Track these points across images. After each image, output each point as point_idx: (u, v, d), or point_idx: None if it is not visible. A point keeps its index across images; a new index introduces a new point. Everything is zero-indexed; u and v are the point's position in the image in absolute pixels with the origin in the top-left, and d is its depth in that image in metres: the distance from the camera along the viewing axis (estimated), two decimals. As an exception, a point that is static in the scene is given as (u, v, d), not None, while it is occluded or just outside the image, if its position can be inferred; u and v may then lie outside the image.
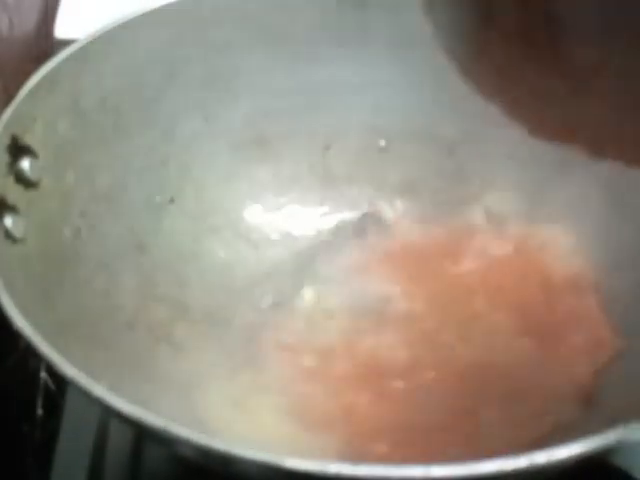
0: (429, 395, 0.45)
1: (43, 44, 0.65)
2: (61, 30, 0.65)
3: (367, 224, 0.53)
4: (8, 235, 0.41)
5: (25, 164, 0.43)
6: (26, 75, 0.45)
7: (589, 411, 0.43)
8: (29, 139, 0.44)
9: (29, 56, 0.64)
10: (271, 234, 0.52)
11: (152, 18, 0.49)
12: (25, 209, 0.42)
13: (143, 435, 0.44)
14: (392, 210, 0.53)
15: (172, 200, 0.50)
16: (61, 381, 0.39)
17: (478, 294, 0.49)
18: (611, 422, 0.34)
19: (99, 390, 0.35)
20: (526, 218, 0.52)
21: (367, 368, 0.47)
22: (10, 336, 0.37)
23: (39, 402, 0.50)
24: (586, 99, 0.50)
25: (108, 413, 0.41)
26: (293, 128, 0.53)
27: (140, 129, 0.49)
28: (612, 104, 0.50)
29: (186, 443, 0.33)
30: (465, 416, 0.44)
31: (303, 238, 0.52)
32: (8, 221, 0.41)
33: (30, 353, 0.37)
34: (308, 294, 0.50)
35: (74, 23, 0.65)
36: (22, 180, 0.43)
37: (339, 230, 0.53)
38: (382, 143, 0.54)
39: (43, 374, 0.50)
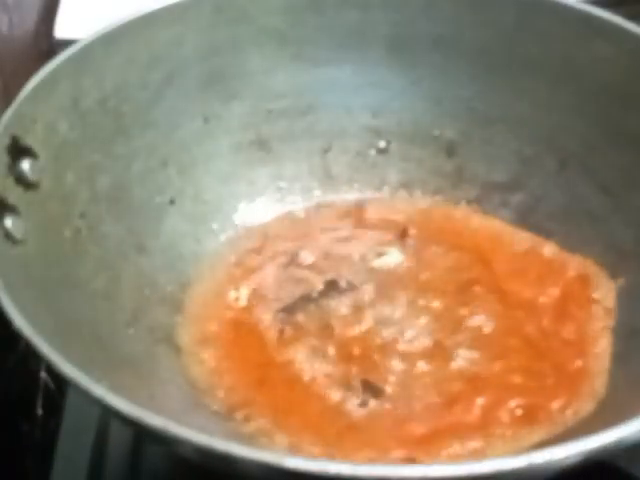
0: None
1: (43, 44, 0.65)
2: (61, 30, 0.65)
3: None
4: (8, 236, 0.41)
5: (25, 165, 0.43)
6: (26, 75, 0.45)
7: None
8: (29, 140, 0.44)
9: (29, 56, 0.64)
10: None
11: (152, 18, 0.49)
12: (25, 210, 0.42)
13: (143, 435, 0.44)
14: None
15: (172, 201, 0.50)
16: (61, 381, 0.39)
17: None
18: (612, 422, 0.34)
19: (99, 390, 0.35)
20: (526, 218, 0.52)
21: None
22: (10, 336, 0.37)
23: (39, 402, 0.50)
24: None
25: (108, 413, 0.41)
26: (293, 129, 0.53)
27: (140, 130, 0.49)
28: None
29: (186, 443, 0.34)
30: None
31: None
32: (8, 222, 0.41)
33: (30, 353, 0.37)
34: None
35: (74, 23, 0.65)
36: (22, 181, 0.43)
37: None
38: (382, 144, 0.54)
39: (43, 374, 0.50)
